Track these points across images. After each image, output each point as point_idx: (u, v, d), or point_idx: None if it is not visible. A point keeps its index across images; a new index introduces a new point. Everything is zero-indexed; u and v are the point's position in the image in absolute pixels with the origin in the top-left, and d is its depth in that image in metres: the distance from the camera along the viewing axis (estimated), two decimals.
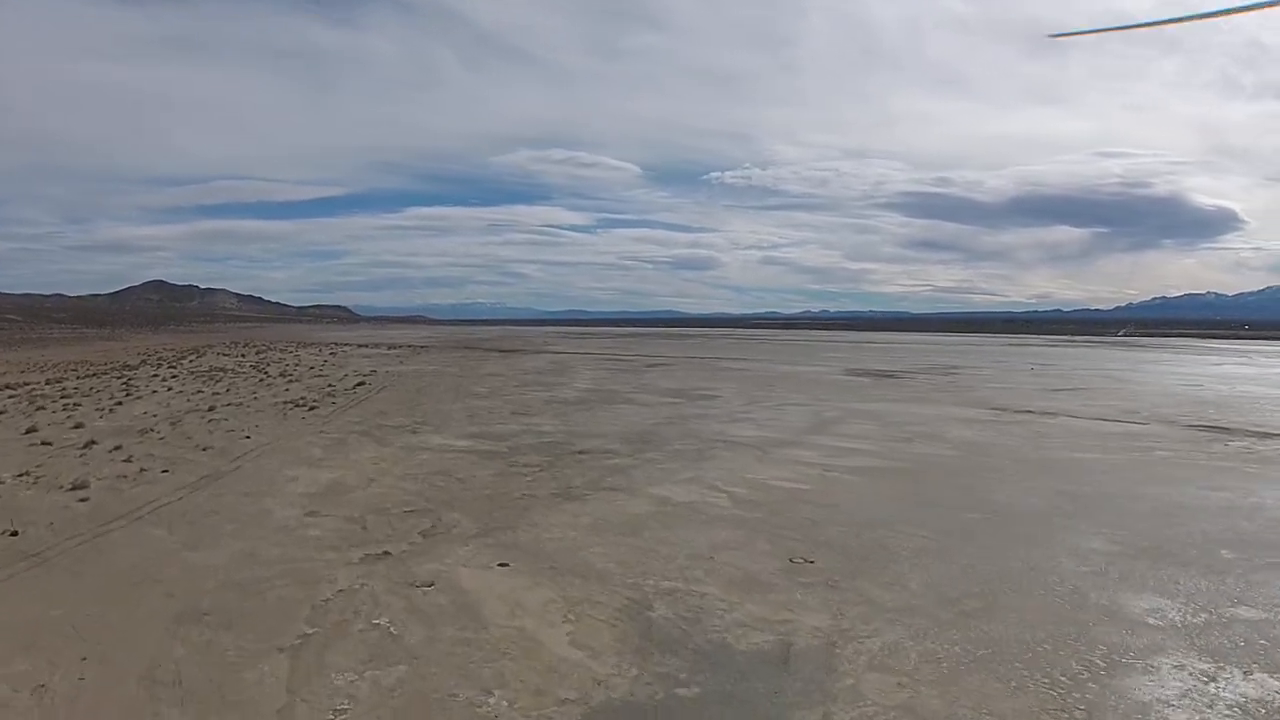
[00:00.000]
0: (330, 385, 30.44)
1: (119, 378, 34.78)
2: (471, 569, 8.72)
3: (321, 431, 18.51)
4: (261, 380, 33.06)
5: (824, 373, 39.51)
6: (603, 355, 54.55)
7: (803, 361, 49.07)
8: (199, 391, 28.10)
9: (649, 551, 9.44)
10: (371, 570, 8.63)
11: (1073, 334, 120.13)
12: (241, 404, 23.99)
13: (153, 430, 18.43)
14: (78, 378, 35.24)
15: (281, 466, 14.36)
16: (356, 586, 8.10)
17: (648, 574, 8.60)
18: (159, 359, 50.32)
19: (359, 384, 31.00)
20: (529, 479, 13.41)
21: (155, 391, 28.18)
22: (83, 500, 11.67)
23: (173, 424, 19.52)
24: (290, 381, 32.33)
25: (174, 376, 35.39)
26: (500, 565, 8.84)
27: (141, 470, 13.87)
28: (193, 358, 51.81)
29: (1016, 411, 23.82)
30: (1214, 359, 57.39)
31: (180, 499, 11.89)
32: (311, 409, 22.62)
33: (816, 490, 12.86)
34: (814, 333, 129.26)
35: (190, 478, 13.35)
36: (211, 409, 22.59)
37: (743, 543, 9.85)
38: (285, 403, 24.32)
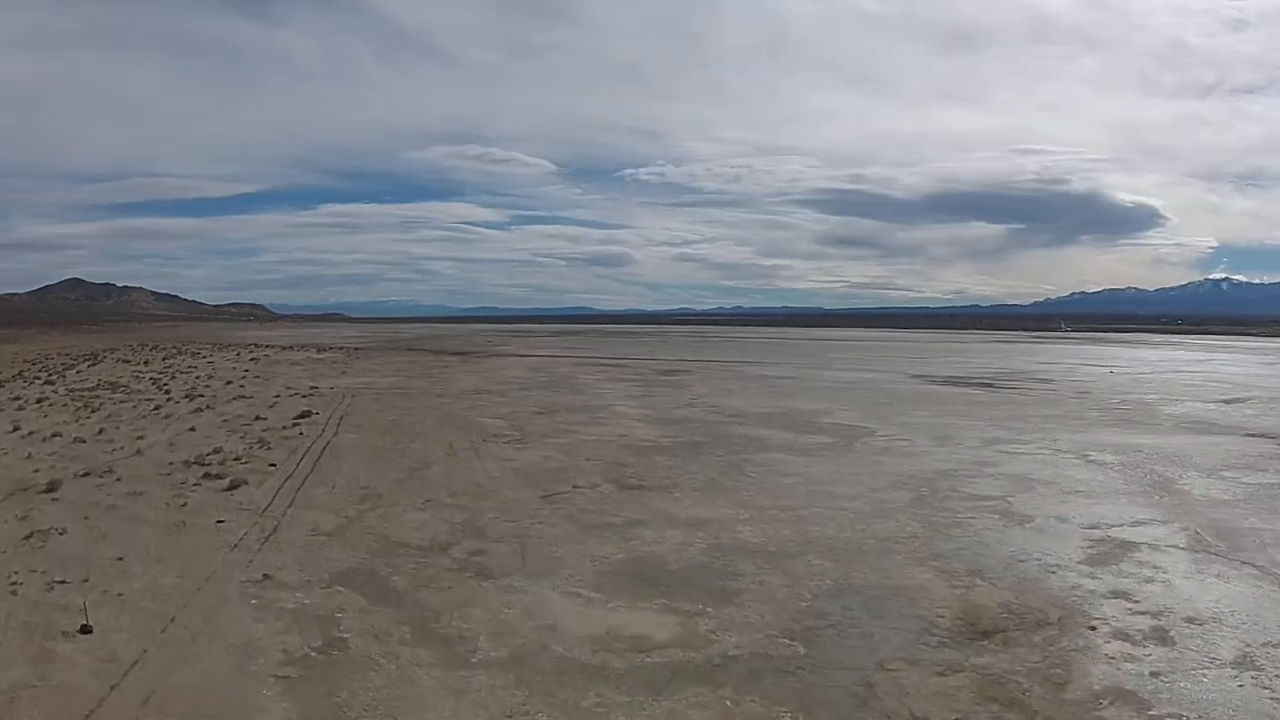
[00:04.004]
0: (259, 418, 19.26)
1: None
2: None
3: (266, 579, 7.76)
4: (158, 407, 21.59)
5: (896, 381, 30.16)
6: (575, 358, 44.02)
7: (835, 365, 39.50)
8: (55, 435, 16.71)
9: None
10: None
11: (1012, 329, 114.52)
12: (110, 470, 12.88)
13: None
14: None
15: None
16: None
17: None
18: (42, 369, 37.44)
19: (302, 415, 19.85)
20: None
21: None
22: None
23: None
24: (199, 410, 20.97)
25: (40, 401, 23.42)
26: None
27: None
28: (85, 366, 39.07)
29: None
30: (1239, 355, 50.53)
31: None
32: (233, 485, 11.74)
33: None
34: (753, 330, 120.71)
35: None
36: (50, 489, 11.47)
37: None
38: (188, 463, 13.37)
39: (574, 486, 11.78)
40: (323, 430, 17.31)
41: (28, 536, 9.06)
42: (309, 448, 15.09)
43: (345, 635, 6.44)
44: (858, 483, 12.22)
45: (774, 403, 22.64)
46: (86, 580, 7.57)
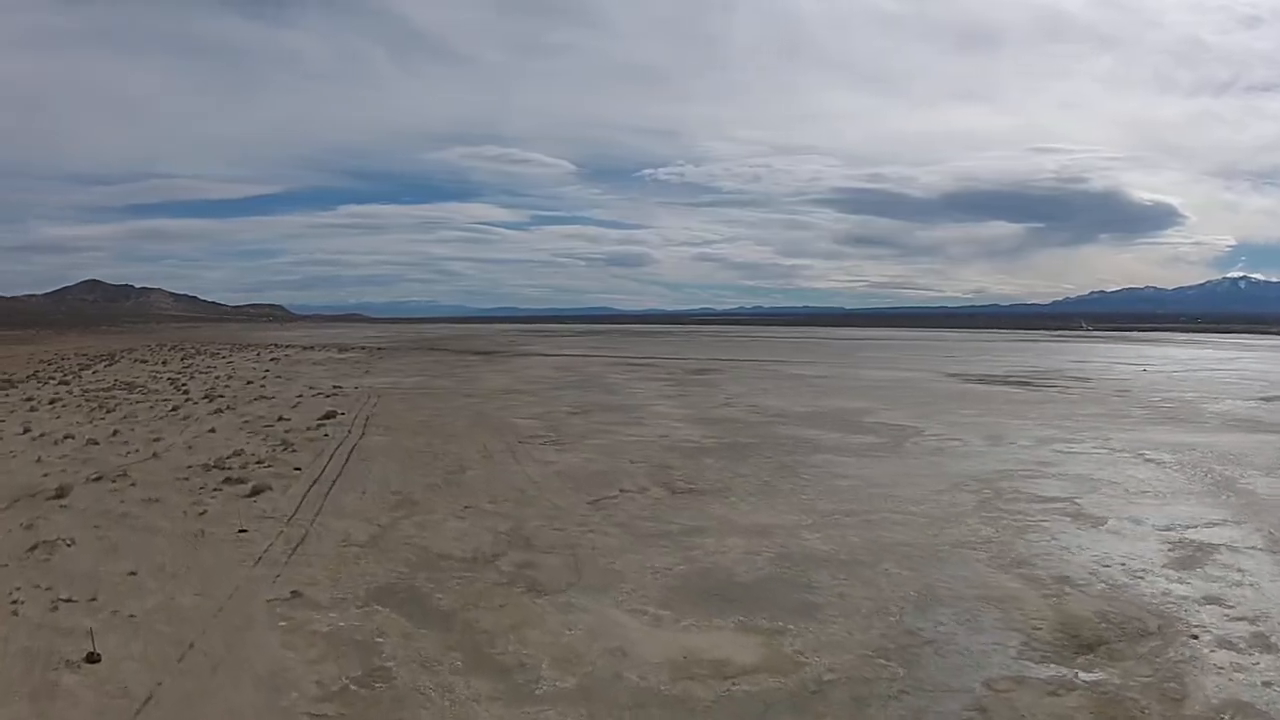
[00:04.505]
0: (281, 419, 18.51)
1: None
2: None
3: (295, 596, 6.97)
4: (176, 408, 20.89)
5: (933, 380, 29.26)
6: (602, 358, 43.17)
7: (866, 364, 38.60)
8: (67, 436, 15.99)
9: None
10: None
11: (1034, 329, 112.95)
12: (124, 474, 12.12)
13: None
14: None
15: None
16: None
17: None
18: (57, 369, 37.00)
19: (327, 415, 19.10)
20: None
21: None
22: None
23: None
24: (218, 411, 20.26)
25: (54, 401, 22.82)
26: None
27: None
28: (101, 366, 38.60)
29: None
30: (1265, 353, 49.42)
31: None
32: (256, 491, 10.92)
33: None
34: (777, 329, 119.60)
35: None
36: (59, 495, 10.69)
37: None
38: (207, 467, 12.58)
39: (621, 491, 10.95)
40: (349, 431, 16.54)
41: (32, 548, 8.28)
42: (335, 450, 14.32)
43: (388, 664, 5.61)
44: (918, 484, 11.48)
45: (814, 402, 21.78)
46: (95, 599, 6.77)
